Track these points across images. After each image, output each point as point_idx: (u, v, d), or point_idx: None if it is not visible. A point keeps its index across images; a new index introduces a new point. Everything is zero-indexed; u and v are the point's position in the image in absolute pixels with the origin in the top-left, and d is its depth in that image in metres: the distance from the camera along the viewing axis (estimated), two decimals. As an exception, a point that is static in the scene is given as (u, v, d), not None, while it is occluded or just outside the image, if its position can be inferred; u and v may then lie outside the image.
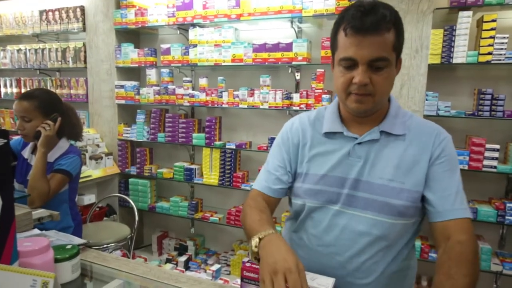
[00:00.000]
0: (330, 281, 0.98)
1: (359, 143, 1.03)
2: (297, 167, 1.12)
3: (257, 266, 1.02)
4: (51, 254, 1.09)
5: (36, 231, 1.42)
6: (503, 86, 2.33)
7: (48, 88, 3.68)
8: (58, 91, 3.64)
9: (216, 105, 2.87)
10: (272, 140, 2.73)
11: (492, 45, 2.14)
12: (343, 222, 1.03)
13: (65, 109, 1.92)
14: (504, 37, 2.12)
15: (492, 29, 2.14)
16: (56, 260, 1.11)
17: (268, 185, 1.13)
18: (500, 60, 2.13)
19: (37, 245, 1.06)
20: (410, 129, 1.03)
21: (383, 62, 0.92)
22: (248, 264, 1.03)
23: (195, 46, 2.88)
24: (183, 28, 3.03)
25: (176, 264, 3.06)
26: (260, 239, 0.92)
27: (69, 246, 1.20)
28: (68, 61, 3.51)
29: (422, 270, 2.59)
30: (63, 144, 1.94)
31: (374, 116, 1.04)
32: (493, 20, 2.14)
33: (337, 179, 1.03)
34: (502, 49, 2.13)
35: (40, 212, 1.52)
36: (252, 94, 2.74)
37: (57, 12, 3.46)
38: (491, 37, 2.14)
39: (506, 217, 2.19)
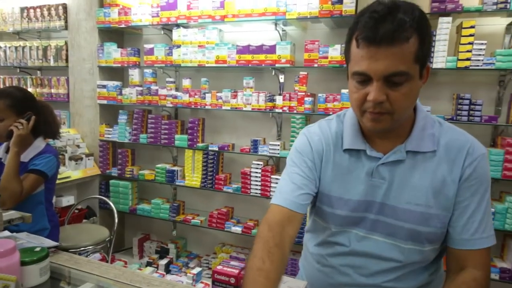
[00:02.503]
0: (302, 284, 0.98)
1: (383, 163, 0.92)
2: (319, 183, 1.00)
3: (228, 270, 1.02)
4: (16, 257, 1.06)
5: (7, 233, 1.38)
6: (481, 91, 2.37)
7: (28, 87, 3.60)
8: (38, 90, 3.56)
9: (199, 107, 2.85)
10: (255, 142, 2.72)
11: (470, 51, 2.18)
12: (367, 247, 0.97)
13: (40, 107, 1.88)
14: (482, 44, 2.17)
15: (470, 35, 2.18)
16: (23, 263, 1.08)
17: (295, 200, 0.96)
18: (478, 66, 2.17)
19: (2, 247, 1.02)
20: (439, 143, 0.91)
21: (402, 77, 0.79)
22: (219, 267, 1.02)
23: (178, 46, 2.86)
24: (167, 28, 3.00)
25: (157, 268, 3.01)
26: None
27: (38, 249, 1.17)
28: (49, 60, 3.45)
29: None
30: (39, 144, 1.89)
31: (398, 131, 0.92)
32: (472, 27, 2.18)
33: (362, 203, 0.95)
34: (480, 55, 2.17)
35: (10, 214, 1.47)
36: (235, 96, 2.72)
37: (38, 10, 3.39)
38: (469, 43, 2.18)
39: (483, 221, 2.22)
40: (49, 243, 1.41)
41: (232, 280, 0.99)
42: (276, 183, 2.62)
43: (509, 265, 2.23)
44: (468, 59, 2.18)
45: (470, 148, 0.89)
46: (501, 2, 2.10)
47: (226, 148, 2.82)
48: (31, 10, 3.42)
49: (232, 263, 1.05)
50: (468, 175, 0.88)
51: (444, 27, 2.21)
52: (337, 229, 1.00)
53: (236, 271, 1.00)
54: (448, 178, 0.89)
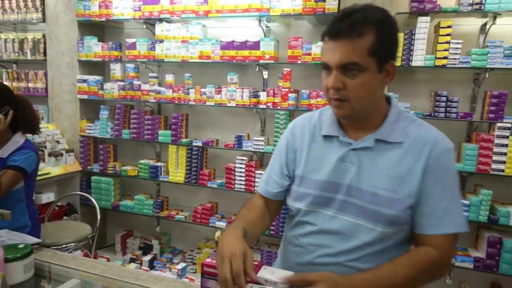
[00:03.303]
0: (289, 274, 1.01)
1: (353, 149, 1.02)
2: (295, 170, 1.12)
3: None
4: (0, 253, 1.05)
5: (-13, 230, 1.35)
6: (457, 89, 2.47)
7: (4, 80, 3.48)
8: (15, 84, 3.45)
9: (183, 102, 2.84)
10: (239, 138, 2.73)
11: (447, 50, 2.26)
12: (336, 226, 1.03)
13: (18, 102, 1.83)
14: (459, 43, 2.25)
15: (447, 34, 2.26)
16: (7, 260, 1.07)
17: (267, 189, 1.17)
18: (454, 64, 2.26)
19: (-15, 244, 1.01)
20: (409, 136, 0.99)
21: (355, 67, 0.90)
22: (208, 260, 1.03)
23: (161, 41, 2.83)
24: (150, 22, 2.97)
25: (141, 264, 3.00)
26: (222, 232, 0.99)
27: (21, 246, 1.15)
28: (26, 53, 3.34)
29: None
30: (18, 139, 1.85)
31: (371, 121, 1.01)
32: (449, 26, 2.26)
33: (332, 184, 1.03)
34: (456, 53, 2.25)
35: (-11, 211, 1.44)
36: (219, 92, 2.73)
37: (14, 1, 3.28)
38: (446, 42, 2.26)
39: (459, 213, 2.32)
40: (32, 239, 1.39)
41: (221, 272, 1.01)
42: (260, 178, 2.65)
43: (482, 255, 2.35)
44: (445, 58, 2.26)
45: (436, 142, 0.98)
46: (476, 3, 2.18)
47: (210, 144, 2.82)
48: (6, 1, 3.31)
49: (221, 256, 1.07)
50: (432, 166, 0.96)
51: (422, 27, 2.29)
52: (308, 208, 1.07)
53: (225, 264, 1.01)
54: (413, 168, 0.97)
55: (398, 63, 2.34)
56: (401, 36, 2.34)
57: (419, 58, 2.30)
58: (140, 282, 1.24)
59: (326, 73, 0.96)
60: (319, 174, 1.05)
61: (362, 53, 0.90)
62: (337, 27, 0.90)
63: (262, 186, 1.19)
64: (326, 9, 2.41)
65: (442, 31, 2.26)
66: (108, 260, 3.06)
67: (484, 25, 2.35)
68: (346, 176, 1.01)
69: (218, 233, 1.06)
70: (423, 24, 2.28)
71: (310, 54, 2.49)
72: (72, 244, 2.43)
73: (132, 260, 3.06)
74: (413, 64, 2.32)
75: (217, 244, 1.02)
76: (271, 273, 0.99)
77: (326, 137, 1.07)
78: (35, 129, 1.98)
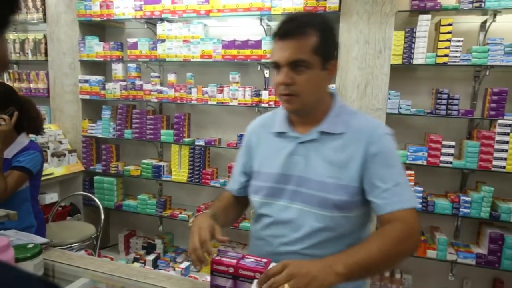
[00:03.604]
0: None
1: (301, 142, 1.11)
2: (252, 166, 1.22)
3: (226, 260, 1.05)
4: (11, 253, 1.06)
5: (-6, 231, 1.36)
6: (458, 86, 2.48)
7: (5, 81, 3.48)
8: (16, 85, 3.45)
9: (185, 102, 2.85)
10: (241, 136, 2.75)
11: (448, 48, 2.27)
12: (289, 216, 1.10)
13: (22, 102, 1.84)
14: (459, 41, 2.26)
15: (448, 32, 2.27)
16: (17, 260, 1.07)
17: (231, 186, 1.30)
18: (455, 62, 2.27)
19: (-4, 244, 1.01)
20: (350, 126, 1.09)
21: (303, 64, 1.01)
22: (217, 258, 1.05)
23: (163, 41, 2.84)
24: (151, 22, 2.97)
25: (144, 263, 3.01)
26: (195, 218, 1.11)
27: (30, 245, 1.16)
28: (27, 53, 3.34)
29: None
30: (23, 140, 1.85)
31: (315, 116, 1.11)
32: (450, 24, 2.27)
33: (283, 176, 1.12)
34: (457, 51, 2.27)
35: (-4, 212, 1.46)
36: (221, 91, 2.74)
37: (14, 2, 3.27)
38: (447, 40, 2.27)
39: (461, 210, 2.34)
40: (40, 239, 1.40)
41: (231, 270, 1.01)
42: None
43: (484, 251, 2.37)
44: (446, 55, 2.28)
45: (375, 129, 1.08)
46: (477, 1, 2.19)
47: (212, 143, 2.83)
48: (7, 2, 3.30)
49: (230, 253, 1.08)
50: (375, 151, 1.05)
51: (423, 25, 2.30)
52: (263, 200, 1.16)
53: (235, 261, 1.02)
54: (355, 155, 1.06)
55: (399, 61, 2.37)
56: (402, 34, 2.35)
57: (420, 56, 2.32)
58: (148, 281, 1.25)
59: (277, 71, 1.05)
60: (272, 168, 1.14)
61: (308, 52, 1.00)
62: (285, 28, 1.01)
63: (229, 184, 1.33)
64: (327, 7, 2.42)
65: (443, 29, 2.28)
66: (112, 259, 3.07)
67: (484, 22, 2.37)
68: (296, 168, 1.11)
69: (191, 220, 1.14)
70: (424, 22, 2.29)
71: (311, 53, 2.50)
72: (76, 244, 2.45)
73: (135, 260, 3.07)
74: (414, 62, 2.33)
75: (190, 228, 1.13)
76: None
77: (278, 134, 1.17)
78: (39, 130, 1.99)
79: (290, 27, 1.01)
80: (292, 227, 1.10)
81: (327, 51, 1.04)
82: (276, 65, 1.05)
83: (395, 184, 1.03)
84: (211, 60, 2.73)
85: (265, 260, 1.03)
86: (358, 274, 0.90)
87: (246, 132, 1.29)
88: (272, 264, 1.02)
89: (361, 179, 1.05)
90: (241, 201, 1.30)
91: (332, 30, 1.06)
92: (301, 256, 1.08)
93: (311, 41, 1.01)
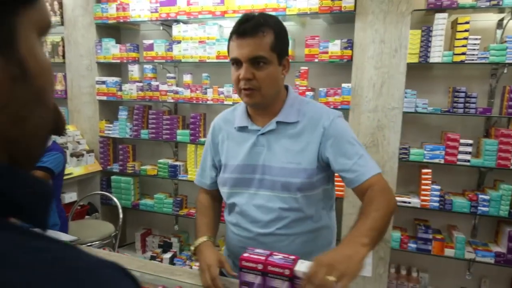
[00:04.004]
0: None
1: (261, 134, 1.20)
2: (220, 160, 1.30)
3: (254, 257, 1.07)
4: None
5: (25, 229, 1.41)
6: (475, 84, 2.47)
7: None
8: (34, 87, 3.52)
9: (200, 102, 2.88)
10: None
11: (465, 46, 2.27)
12: (258, 202, 1.21)
13: None
14: (477, 39, 2.25)
15: (465, 30, 2.26)
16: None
17: (203, 181, 1.37)
18: (473, 60, 2.26)
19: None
20: (304, 115, 1.19)
21: (262, 60, 1.09)
22: (246, 255, 1.07)
23: (179, 42, 2.88)
24: (166, 24, 3.01)
25: (161, 261, 3.05)
26: (195, 247, 1.24)
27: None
28: (45, 56, 3.41)
29: (401, 260, 2.72)
30: (47, 141, 1.90)
31: (272, 108, 1.20)
32: (467, 22, 2.26)
33: (249, 166, 1.21)
34: (474, 49, 2.26)
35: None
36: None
37: (33, 5, 3.34)
38: (464, 38, 2.26)
39: (479, 208, 2.33)
40: (67, 237, 1.45)
41: (260, 266, 1.04)
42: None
43: (503, 249, 2.35)
44: (463, 54, 2.27)
45: (325, 114, 1.19)
46: (494, -1, 2.18)
47: (228, 143, 2.86)
48: (26, 6, 3.37)
49: (257, 250, 1.10)
50: (328, 134, 1.16)
51: (440, 23, 2.29)
52: (232, 190, 1.25)
53: (263, 258, 1.05)
54: (311, 140, 1.17)
55: (415, 60, 2.37)
56: (418, 33, 2.35)
57: (437, 54, 2.31)
58: (176, 277, 1.28)
59: (236, 67, 1.12)
60: (237, 160, 1.22)
61: (266, 49, 1.09)
62: (244, 27, 1.08)
63: (198, 179, 1.39)
64: (342, 7, 2.43)
65: (459, 27, 2.27)
66: (129, 258, 3.12)
67: (501, 20, 2.35)
68: (260, 158, 1.20)
69: (192, 248, 1.26)
70: (441, 21, 2.29)
71: (327, 53, 2.51)
72: (96, 242, 2.50)
73: (152, 258, 3.12)
74: (431, 60, 2.33)
75: (192, 254, 1.31)
76: (302, 263, 1.03)
77: (240, 128, 1.24)
78: (61, 131, 2.04)
79: (249, 26, 1.08)
80: (263, 211, 1.20)
81: (282, 48, 1.14)
82: (235, 62, 1.12)
83: (359, 156, 1.14)
84: (226, 60, 2.75)
85: (293, 257, 1.05)
86: (376, 240, 0.99)
87: (210, 128, 1.35)
88: (300, 261, 1.04)
89: (319, 161, 1.17)
90: (215, 194, 1.38)
91: (285, 29, 1.16)
92: (277, 236, 1.20)
93: (268, 39, 1.09)
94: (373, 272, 2.54)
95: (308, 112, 1.20)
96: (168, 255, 3.07)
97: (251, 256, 1.07)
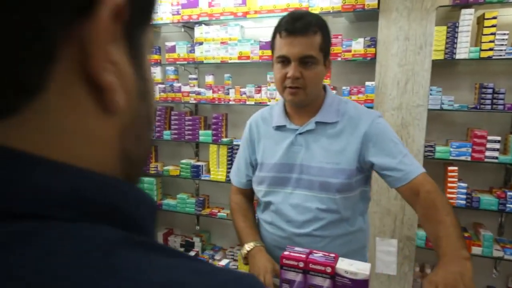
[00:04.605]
0: (368, 266, 1.05)
1: (300, 133, 1.21)
2: (256, 159, 1.30)
3: (295, 255, 1.08)
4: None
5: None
6: (503, 80, 2.43)
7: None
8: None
9: (223, 102, 2.91)
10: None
11: (493, 41, 2.23)
12: (295, 201, 1.21)
13: None
14: (505, 34, 2.22)
15: (493, 26, 2.23)
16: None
17: (240, 180, 1.37)
18: (500, 55, 2.23)
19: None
20: (344, 115, 1.20)
21: (312, 60, 1.10)
22: (286, 253, 1.09)
23: (201, 43, 2.91)
24: (188, 26, 3.04)
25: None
26: (248, 251, 1.21)
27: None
28: (69, 60, 3.48)
29: (426, 258, 2.69)
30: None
31: (311, 108, 1.21)
32: (494, 18, 2.23)
33: (286, 165, 1.22)
34: (502, 45, 2.22)
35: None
36: (259, 91, 2.78)
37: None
38: (492, 34, 2.23)
39: (507, 205, 2.29)
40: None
41: (301, 264, 1.05)
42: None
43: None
44: (491, 49, 2.24)
45: (365, 115, 1.19)
46: (523, -7, 2.15)
47: (250, 142, 2.88)
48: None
49: (297, 248, 1.11)
50: (370, 134, 1.15)
51: (466, 19, 2.27)
52: (269, 189, 1.25)
53: (304, 255, 1.06)
54: (351, 140, 1.16)
55: (441, 56, 2.35)
56: (443, 29, 2.32)
57: (463, 50, 2.28)
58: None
59: (282, 65, 1.13)
60: (274, 158, 1.23)
61: (315, 48, 1.10)
62: (295, 25, 1.08)
63: (234, 179, 1.40)
64: (366, 5, 2.42)
65: (487, 23, 2.24)
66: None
67: (529, 14, 2.31)
68: (297, 157, 1.20)
69: (243, 252, 1.23)
70: (467, 17, 2.26)
71: (350, 51, 2.50)
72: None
73: (175, 257, 3.16)
74: (457, 57, 2.30)
75: (243, 259, 1.24)
76: (350, 265, 1.04)
77: (277, 127, 1.25)
78: None
79: (301, 24, 1.08)
80: (300, 211, 1.20)
81: (328, 48, 1.16)
82: (283, 59, 1.12)
83: (404, 155, 1.14)
84: (248, 61, 2.78)
85: (333, 254, 1.06)
86: (467, 246, 1.01)
87: (246, 126, 1.36)
88: (340, 258, 1.05)
89: (359, 162, 1.16)
90: (249, 194, 1.40)
91: (329, 31, 1.17)
92: (313, 237, 1.19)
93: (317, 39, 1.10)
94: (398, 271, 2.52)
95: (348, 112, 1.20)
96: (191, 254, 3.10)
97: (292, 254, 1.08)
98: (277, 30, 1.13)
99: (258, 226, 1.37)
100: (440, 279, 0.89)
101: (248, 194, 1.41)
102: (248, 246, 1.21)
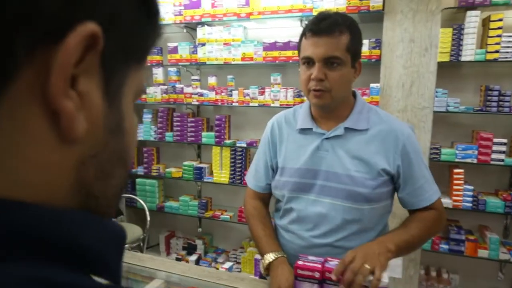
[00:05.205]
0: (385, 274, 1.02)
1: (327, 138, 1.16)
2: (277, 162, 1.24)
3: (310, 264, 1.06)
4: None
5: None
6: (509, 82, 2.42)
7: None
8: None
9: (226, 104, 2.88)
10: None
11: (499, 43, 2.22)
12: (318, 209, 1.15)
13: None
14: (510, 36, 2.21)
15: (499, 28, 2.22)
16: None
17: (257, 184, 1.31)
18: (506, 58, 2.22)
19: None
20: (375, 124, 1.15)
21: (337, 61, 1.05)
22: (300, 263, 1.06)
23: (203, 44, 2.88)
24: (190, 26, 3.02)
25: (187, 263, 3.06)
26: (270, 262, 1.15)
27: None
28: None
29: (431, 261, 2.68)
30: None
31: (340, 112, 1.16)
32: (500, 20, 2.22)
33: (310, 171, 1.16)
34: (508, 47, 2.21)
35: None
36: (262, 93, 2.76)
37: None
38: (498, 36, 2.22)
39: (513, 208, 2.28)
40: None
41: (317, 274, 1.02)
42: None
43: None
44: (496, 51, 2.23)
45: (398, 126, 1.14)
46: (529, -5, 2.14)
47: (254, 144, 2.86)
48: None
49: (311, 257, 1.08)
50: (405, 150, 1.11)
51: (472, 21, 2.25)
52: (290, 195, 1.19)
53: (320, 265, 1.03)
54: (381, 151, 1.11)
55: (447, 59, 2.33)
56: (449, 31, 2.31)
57: (469, 53, 2.27)
58: (222, 282, 1.28)
59: (307, 66, 1.09)
60: (298, 163, 1.17)
61: (341, 49, 1.05)
62: (320, 26, 1.04)
63: (252, 182, 1.32)
64: (370, 7, 2.40)
65: (492, 25, 2.23)
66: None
67: (535, 16, 2.30)
68: (323, 163, 1.14)
69: (266, 263, 1.17)
70: (473, 19, 2.25)
71: (355, 53, 2.48)
72: (126, 245, 2.51)
73: (177, 260, 3.13)
74: (463, 59, 2.29)
75: (265, 270, 1.18)
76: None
77: (302, 130, 1.20)
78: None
79: (326, 24, 1.04)
80: (323, 220, 1.15)
81: (357, 50, 1.10)
82: (307, 60, 1.08)
83: (425, 180, 1.14)
84: (252, 62, 2.75)
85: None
86: (402, 252, 1.07)
87: (266, 130, 1.30)
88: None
89: (389, 173, 1.12)
90: (266, 199, 1.35)
91: (359, 31, 1.11)
92: (334, 248, 1.15)
93: (344, 39, 1.05)
94: (403, 274, 2.51)
95: (379, 121, 1.15)
96: (193, 257, 3.08)
97: (306, 264, 1.05)
98: (304, 30, 1.10)
99: (276, 234, 1.32)
100: (360, 251, 0.98)
101: (266, 199, 1.34)
102: (270, 257, 1.16)
